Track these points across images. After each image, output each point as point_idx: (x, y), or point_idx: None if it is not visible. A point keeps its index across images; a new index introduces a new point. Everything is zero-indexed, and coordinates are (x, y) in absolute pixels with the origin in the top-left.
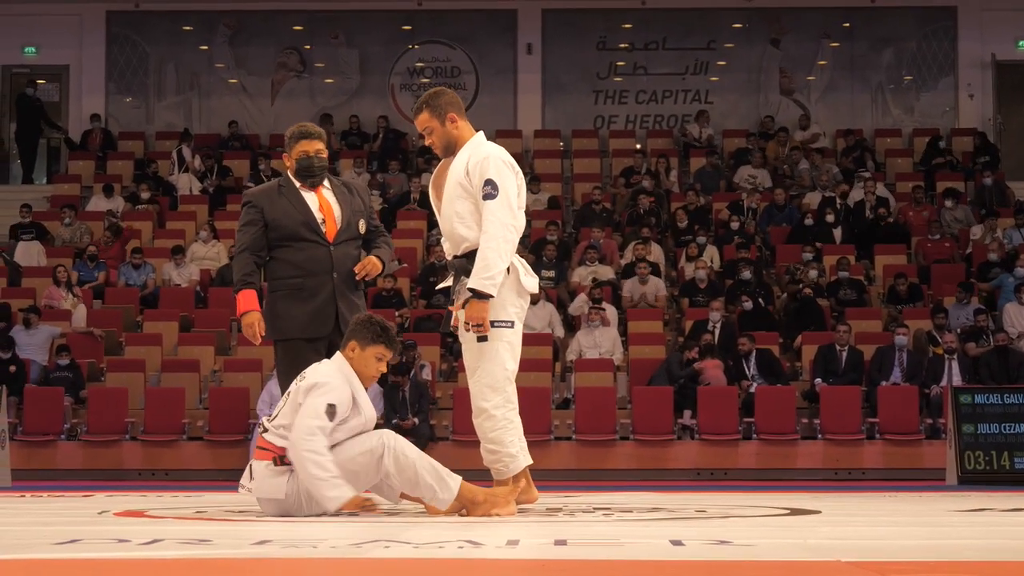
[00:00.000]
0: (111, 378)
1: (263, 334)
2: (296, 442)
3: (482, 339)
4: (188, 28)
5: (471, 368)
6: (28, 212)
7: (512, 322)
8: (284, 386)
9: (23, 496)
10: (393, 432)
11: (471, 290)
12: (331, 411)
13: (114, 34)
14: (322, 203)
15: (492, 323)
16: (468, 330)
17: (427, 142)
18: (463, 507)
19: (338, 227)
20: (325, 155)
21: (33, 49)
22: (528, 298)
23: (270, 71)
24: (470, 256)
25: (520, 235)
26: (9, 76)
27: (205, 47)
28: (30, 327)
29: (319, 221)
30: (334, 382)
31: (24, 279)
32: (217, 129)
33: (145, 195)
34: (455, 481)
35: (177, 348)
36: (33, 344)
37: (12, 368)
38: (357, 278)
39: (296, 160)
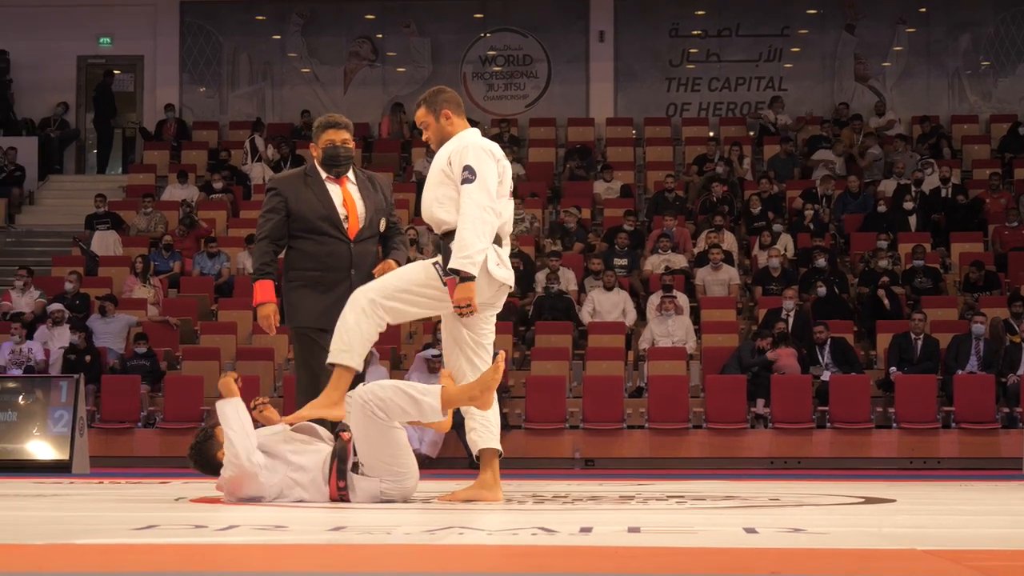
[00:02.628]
0: (187, 366)
1: (279, 324)
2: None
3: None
4: (261, 18)
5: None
6: (103, 202)
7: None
8: (300, 375)
9: (101, 482)
10: (355, 389)
11: (453, 271)
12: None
13: (188, 24)
14: (346, 197)
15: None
16: (460, 314)
17: (424, 137)
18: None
19: (360, 225)
20: (352, 145)
21: (108, 40)
22: (499, 288)
23: (342, 60)
24: (449, 235)
25: (502, 221)
26: (85, 67)
27: (278, 36)
28: (106, 316)
29: (342, 217)
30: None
31: (100, 268)
32: (290, 118)
33: (218, 184)
34: (433, 396)
35: (252, 337)
36: (109, 332)
37: (88, 358)
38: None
39: (322, 149)
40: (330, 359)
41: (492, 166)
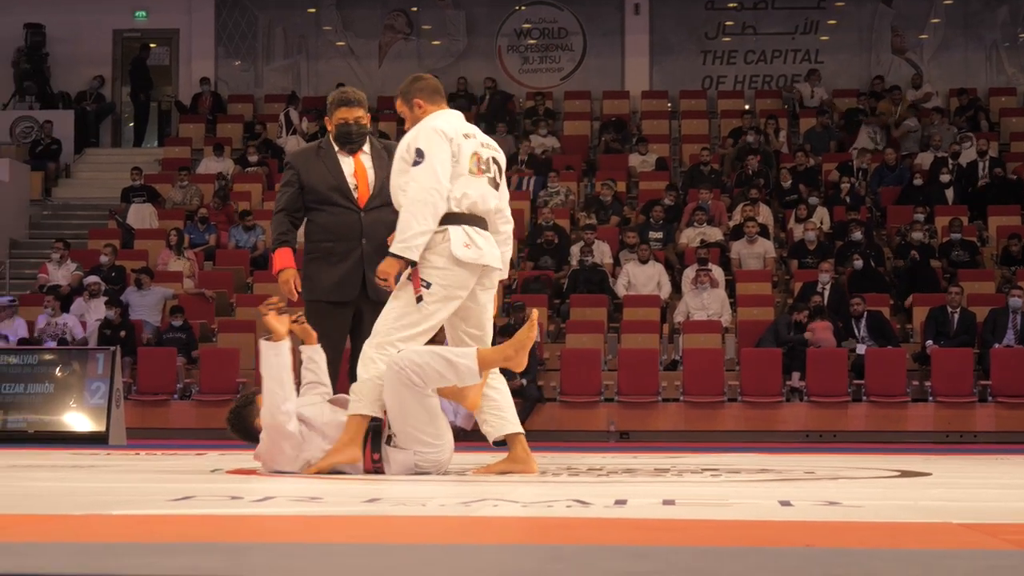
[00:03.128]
0: (222, 339)
1: (299, 289)
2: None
3: (419, 299)
4: None
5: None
6: (139, 175)
7: (428, 283)
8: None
9: (138, 454)
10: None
11: (391, 254)
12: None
13: None
14: (358, 168)
15: (409, 278)
16: (377, 283)
17: (405, 128)
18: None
19: (371, 193)
20: (365, 121)
21: (143, 13)
22: (470, 269)
23: (377, 34)
24: None
25: (469, 200)
26: (120, 40)
27: (313, 10)
28: (142, 288)
29: (351, 187)
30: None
31: (136, 241)
32: (324, 92)
33: (253, 158)
34: (469, 358)
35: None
36: (145, 305)
37: (123, 333)
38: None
39: (336, 126)
40: (348, 411)
41: (443, 146)
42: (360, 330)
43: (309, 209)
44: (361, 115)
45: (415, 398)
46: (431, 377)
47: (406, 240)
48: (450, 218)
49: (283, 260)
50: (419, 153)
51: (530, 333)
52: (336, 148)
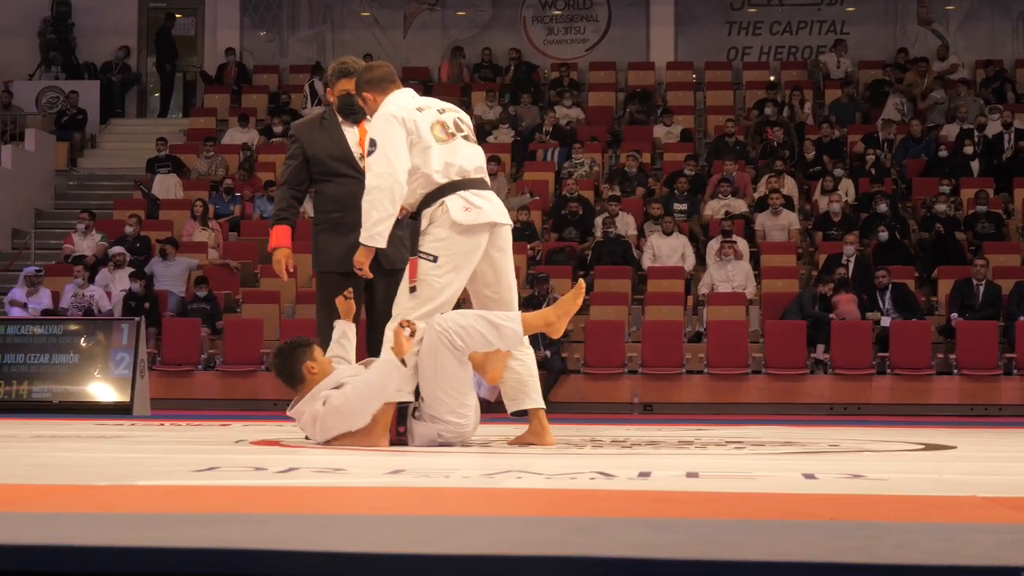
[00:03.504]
0: (247, 309)
1: (291, 270)
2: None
3: (412, 289)
4: None
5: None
6: (164, 145)
7: (434, 256)
8: (318, 314)
9: (162, 424)
10: (435, 318)
11: (360, 243)
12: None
13: None
14: (363, 137)
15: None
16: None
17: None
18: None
19: None
20: None
21: None
22: (476, 232)
23: (402, 4)
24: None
25: (450, 164)
26: (146, 11)
27: None
28: (167, 259)
29: (357, 156)
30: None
31: (161, 212)
32: None
33: (278, 128)
34: (515, 322)
35: (311, 280)
36: (170, 276)
37: (147, 304)
38: (398, 215)
39: (338, 98)
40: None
41: (393, 130)
42: (373, 299)
43: (316, 181)
44: None
45: (453, 362)
46: (475, 340)
47: (369, 229)
48: (443, 190)
49: (279, 238)
50: (371, 143)
51: (576, 300)
52: (340, 119)
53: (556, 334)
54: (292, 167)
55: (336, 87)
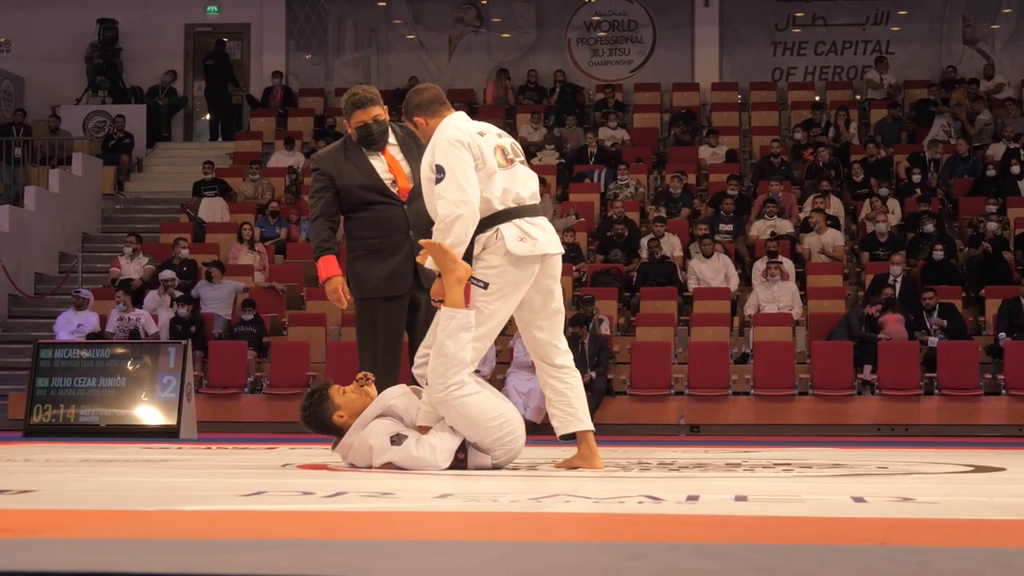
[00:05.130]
0: (293, 332)
1: (348, 296)
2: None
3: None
4: None
5: None
6: (211, 169)
7: (485, 283)
8: (360, 341)
9: (209, 448)
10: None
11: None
12: (397, 439)
13: None
14: (390, 163)
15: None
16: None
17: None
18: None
19: (410, 185)
20: (383, 117)
21: (215, 8)
22: (528, 262)
23: (447, 27)
24: None
25: (509, 191)
26: (192, 35)
27: (383, 3)
28: (213, 281)
29: (388, 182)
30: (376, 431)
31: (208, 235)
32: (395, 85)
33: None
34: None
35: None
36: (217, 299)
37: (193, 327)
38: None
39: (356, 130)
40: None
41: (461, 155)
42: (416, 321)
43: (350, 209)
44: (377, 112)
45: (461, 406)
46: (445, 367)
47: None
48: (499, 217)
49: (329, 268)
50: (439, 170)
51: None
52: (363, 148)
53: (465, 273)
54: (324, 199)
55: (352, 119)
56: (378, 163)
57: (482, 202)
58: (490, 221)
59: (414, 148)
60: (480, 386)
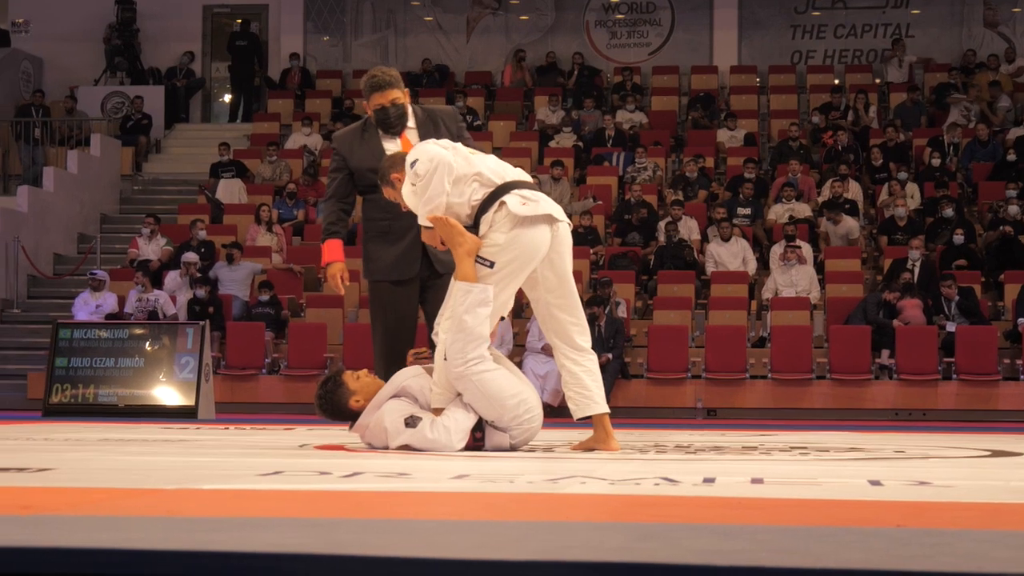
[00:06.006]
0: (310, 314)
1: (346, 283)
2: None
3: None
4: None
5: None
6: (227, 150)
7: (491, 262)
8: (372, 323)
9: (227, 428)
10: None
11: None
12: (411, 420)
13: None
14: (404, 147)
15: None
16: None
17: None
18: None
19: None
20: (402, 99)
21: None
22: (535, 228)
23: (465, 8)
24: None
25: (501, 171)
26: (210, 16)
27: None
28: (232, 263)
29: None
30: (390, 412)
31: (225, 216)
32: (413, 67)
33: None
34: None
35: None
36: (235, 280)
37: (211, 308)
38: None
39: (374, 112)
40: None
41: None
42: (426, 300)
43: (364, 191)
44: (396, 95)
45: (480, 383)
46: (464, 342)
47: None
48: (499, 190)
49: (331, 253)
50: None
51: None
52: (380, 131)
53: (474, 245)
54: (338, 180)
55: (371, 101)
56: (392, 146)
57: (480, 180)
58: (491, 198)
59: (431, 131)
60: (498, 363)
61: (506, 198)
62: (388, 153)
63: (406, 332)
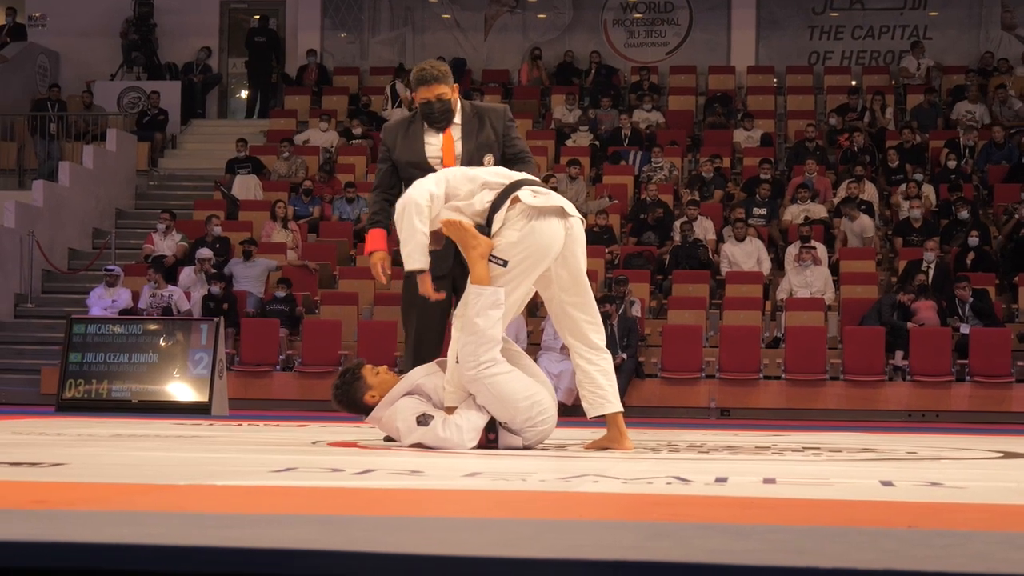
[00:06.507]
0: (325, 311)
1: (388, 272)
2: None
3: None
4: None
5: None
6: (244, 146)
7: (504, 261)
8: (406, 318)
9: (240, 425)
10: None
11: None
12: (423, 419)
13: None
14: (445, 143)
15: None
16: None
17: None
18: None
19: (457, 166)
20: (448, 95)
21: None
22: (547, 222)
23: (483, 6)
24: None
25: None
26: (227, 11)
27: None
28: (249, 259)
29: (435, 161)
30: (402, 410)
31: (241, 212)
32: None
33: (358, 130)
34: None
35: (391, 282)
36: (250, 276)
37: (226, 305)
38: None
39: (420, 106)
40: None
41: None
42: (458, 299)
43: (406, 184)
44: (442, 91)
45: (492, 384)
46: (476, 345)
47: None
48: (511, 187)
49: (374, 242)
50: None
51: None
52: (425, 124)
53: (487, 248)
54: (382, 171)
55: (417, 94)
56: (433, 141)
57: (488, 185)
58: (503, 196)
59: (476, 128)
60: (512, 363)
61: (518, 192)
62: (431, 148)
63: (437, 325)
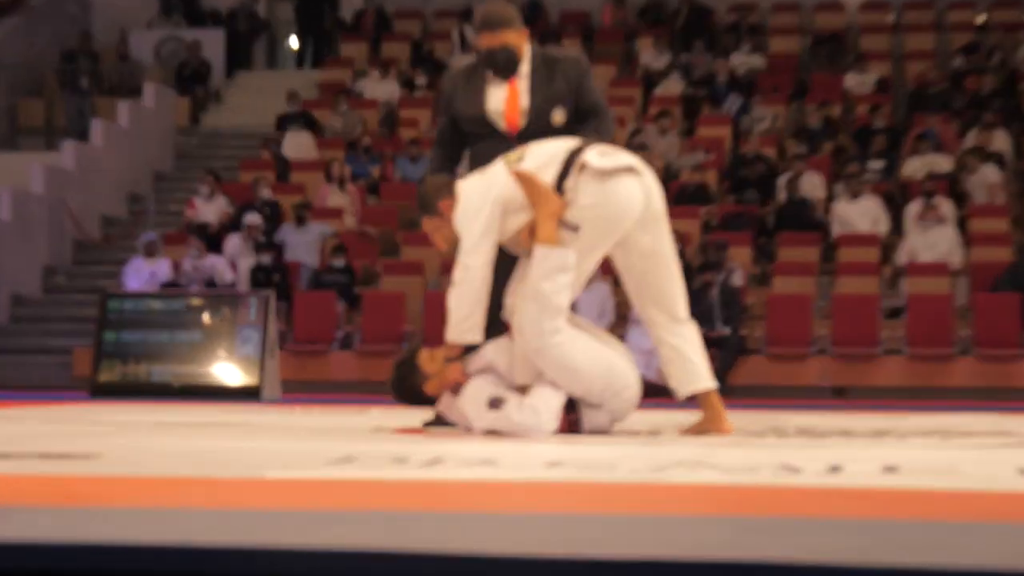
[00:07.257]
0: (387, 282)
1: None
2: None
3: None
4: None
5: None
6: (296, 101)
7: (575, 226)
8: None
9: (293, 410)
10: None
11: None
12: (495, 402)
13: None
14: (510, 95)
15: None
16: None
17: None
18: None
19: (522, 122)
20: (515, 43)
21: None
22: (621, 191)
23: None
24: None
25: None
26: None
27: None
28: (303, 224)
29: (497, 115)
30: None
31: (292, 173)
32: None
33: (421, 81)
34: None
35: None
36: (302, 244)
37: (277, 276)
38: None
39: (483, 52)
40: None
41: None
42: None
43: (468, 138)
44: (509, 36)
45: (562, 354)
46: (539, 312)
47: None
48: (576, 152)
49: None
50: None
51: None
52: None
53: (559, 206)
54: (442, 125)
55: (481, 40)
56: (497, 92)
57: (549, 160)
58: (568, 164)
59: (546, 78)
60: (579, 330)
61: (584, 157)
62: (493, 100)
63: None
